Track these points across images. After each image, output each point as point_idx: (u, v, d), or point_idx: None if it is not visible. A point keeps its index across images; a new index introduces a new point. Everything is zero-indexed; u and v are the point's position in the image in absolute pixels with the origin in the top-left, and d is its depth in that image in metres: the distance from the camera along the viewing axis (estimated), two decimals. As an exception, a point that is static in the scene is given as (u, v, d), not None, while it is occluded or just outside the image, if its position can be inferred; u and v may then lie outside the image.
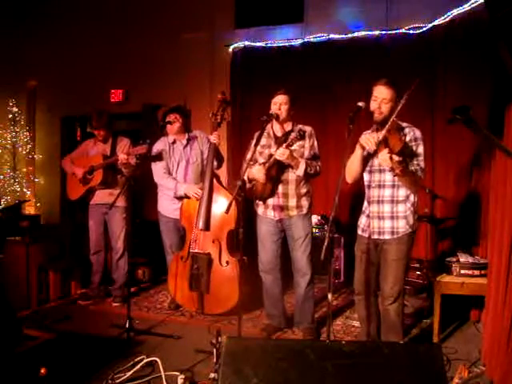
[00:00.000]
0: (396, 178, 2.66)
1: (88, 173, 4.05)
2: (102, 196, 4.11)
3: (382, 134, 2.56)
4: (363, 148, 2.71)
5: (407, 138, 2.68)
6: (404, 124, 2.75)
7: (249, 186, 3.35)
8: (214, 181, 3.76)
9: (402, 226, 2.73)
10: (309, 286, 3.37)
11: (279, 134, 3.37)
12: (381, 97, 2.70)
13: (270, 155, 3.25)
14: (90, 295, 4.23)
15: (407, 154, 2.63)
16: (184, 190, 3.82)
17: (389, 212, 2.75)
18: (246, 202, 3.61)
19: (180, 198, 3.87)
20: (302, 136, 3.13)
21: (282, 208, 3.32)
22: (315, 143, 3.37)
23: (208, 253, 3.68)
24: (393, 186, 2.73)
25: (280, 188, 3.30)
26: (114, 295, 4.15)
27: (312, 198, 3.44)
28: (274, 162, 3.20)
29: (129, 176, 3.99)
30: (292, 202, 3.31)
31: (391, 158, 2.48)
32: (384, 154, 2.51)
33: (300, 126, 3.37)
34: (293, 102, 3.33)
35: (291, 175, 3.28)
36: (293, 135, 3.15)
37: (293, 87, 5.04)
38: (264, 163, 3.25)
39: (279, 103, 3.27)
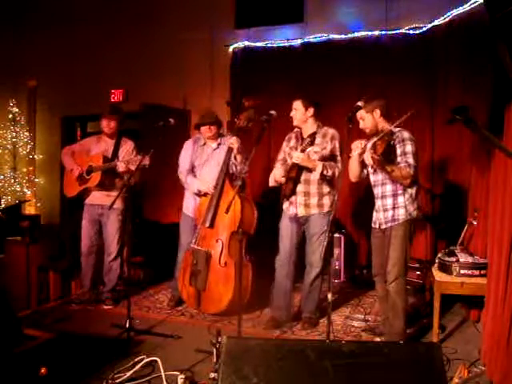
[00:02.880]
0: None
1: (86, 172, 3.96)
2: (98, 197, 4.02)
3: (370, 143, 2.99)
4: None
5: (396, 141, 3.03)
6: (396, 129, 3.05)
7: (275, 184, 3.58)
8: (228, 183, 3.78)
9: (402, 213, 3.06)
10: (316, 279, 3.53)
11: (305, 135, 3.54)
12: (359, 118, 3.13)
13: None
14: (82, 299, 4.11)
15: (396, 153, 3.03)
16: (198, 185, 3.89)
17: (391, 204, 3.10)
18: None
19: (198, 196, 3.94)
20: (312, 142, 3.40)
21: (304, 206, 3.50)
22: (337, 145, 3.52)
23: (208, 250, 3.72)
24: (393, 182, 3.07)
25: (302, 187, 3.50)
26: (105, 297, 4.09)
27: (336, 196, 3.45)
28: (293, 165, 3.43)
29: (130, 183, 3.99)
30: (313, 200, 3.50)
31: (372, 157, 2.92)
32: (367, 154, 2.95)
33: (325, 127, 3.56)
34: (310, 105, 3.49)
35: (313, 175, 3.45)
36: (306, 141, 3.38)
37: (293, 87, 5.10)
38: (286, 165, 3.51)
39: (293, 108, 3.51)
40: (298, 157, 3.34)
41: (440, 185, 4.67)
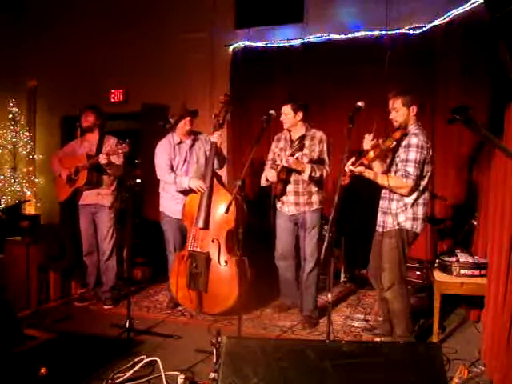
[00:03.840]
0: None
1: (74, 173, 3.99)
2: (89, 196, 4.04)
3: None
4: None
5: (402, 145, 2.95)
6: (411, 130, 2.96)
7: (266, 184, 3.73)
8: (215, 181, 3.77)
9: (390, 222, 3.01)
10: (311, 272, 3.62)
11: (295, 138, 3.66)
12: (392, 108, 3.01)
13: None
14: (87, 297, 4.19)
15: (400, 158, 2.95)
16: (190, 183, 3.80)
17: (385, 208, 3.08)
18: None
19: (183, 193, 3.85)
20: (301, 148, 3.55)
21: (294, 204, 3.65)
22: (324, 148, 3.64)
23: (207, 252, 3.69)
24: None
25: (292, 187, 3.64)
26: (105, 298, 4.10)
27: (323, 194, 3.72)
28: (283, 167, 3.54)
29: (115, 176, 4.01)
30: (303, 199, 3.63)
31: (350, 171, 2.89)
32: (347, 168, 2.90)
33: (314, 130, 3.68)
34: (299, 109, 3.59)
35: (301, 176, 3.55)
36: (296, 145, 3.53)
37: (293, 87, 5.10)
38: (277, 167, 3.63)
39: (283, 113, 3.60)
40: (287, 160, 3.45)
41: (440, 185, 4.66)
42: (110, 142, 4.08)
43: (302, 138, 3.62)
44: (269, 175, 3.62)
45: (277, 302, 4.03)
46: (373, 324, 3.59)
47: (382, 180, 2.95)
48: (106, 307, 4.03)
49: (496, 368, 2.53)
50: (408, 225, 2.96)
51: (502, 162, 2.75)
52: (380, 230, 3.12)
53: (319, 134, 3.65)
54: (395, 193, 2.98)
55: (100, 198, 4.02)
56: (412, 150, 2.88)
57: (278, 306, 3.94)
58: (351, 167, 2.87)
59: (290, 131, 3.70)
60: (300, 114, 3.60)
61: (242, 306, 2.98)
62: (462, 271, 3.26)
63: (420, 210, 2.98)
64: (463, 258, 3.35)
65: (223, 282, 3.62)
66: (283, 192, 3.66)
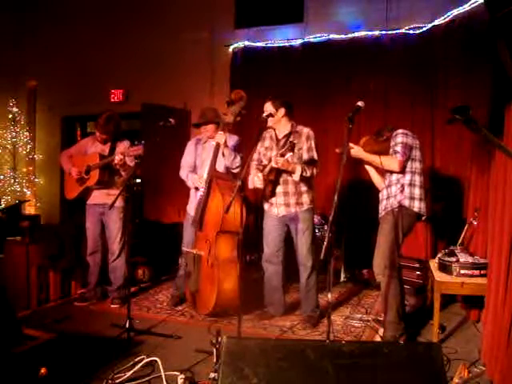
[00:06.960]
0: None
1: (85, 172, 3.98)
2: (98, 196, 4.04)
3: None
4: None
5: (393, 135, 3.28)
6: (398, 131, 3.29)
7: (254, 187, 3.60)
8: (214, 182, 3.65)
9: (390, 203, 3.21)
10: (310, 277, 3.57)
11: (280, 136, 3.57)
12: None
13: (270, 159, 3.49)
14: (87, 297, 4.18)
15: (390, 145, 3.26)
16: (192, 180, 3.86)
17: (384, 195, 3.28)
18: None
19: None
20: (292, 148, 3.35)
21: (284, 205, 3.56)
22: (313, 145, 3.53)
23: (197, 252, 3.68)
24: (391, 173, 3.23)
25: (281, 188, 3.55)
26: (112, 297, 4.11)
27: (313, 193, 3.63)
28: (272, 168, 3.44)
29: (127, 177, 3.99)
30: (292, 199, 3.55)
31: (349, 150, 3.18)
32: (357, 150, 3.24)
33: (300, 126, 3.56)
34: (281, 105, 3.49)
35: (291, 176, 3.47)
36: (285, 146, 3.36)
37: (292, 87, 5.10)
38: (263, 168, 3.53)
39: (265, 111, 3.48)
40: (276, 162, 3.35)
41: (440, 185, 4.67)
42: (124, 144, 4.06)
43: (288, 136, 3.51)
44: (256, 182, 3.52)
45: (259, 311, 3.80)
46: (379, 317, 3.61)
47: (374, 158, 3.21)
48: (112, 306, 4.03)
49: (496, 368, 2.52)
50: (406, 202, 3.17)
51: (502, 162, 2.75)
52: (379, 216, 3.28)
53: (306, 130, 3.54)
54: (391, 173, 3.21)
55: (110, 198, 3.99)
56: (398, 136, 3.20)
57: (259, 315, 3.73)
58: (351, 144, 3.22)
59: (274, 129, 3.58)
60: (282, 111, 3.49)
61: (242, 306, 2.97)
62: (462, 271, 3.26)
63: (416, 191, 3.19)
64: (463, 257, 3.35)
65: (208, 284, 3.59)
66: (272, 193, 3.55)
